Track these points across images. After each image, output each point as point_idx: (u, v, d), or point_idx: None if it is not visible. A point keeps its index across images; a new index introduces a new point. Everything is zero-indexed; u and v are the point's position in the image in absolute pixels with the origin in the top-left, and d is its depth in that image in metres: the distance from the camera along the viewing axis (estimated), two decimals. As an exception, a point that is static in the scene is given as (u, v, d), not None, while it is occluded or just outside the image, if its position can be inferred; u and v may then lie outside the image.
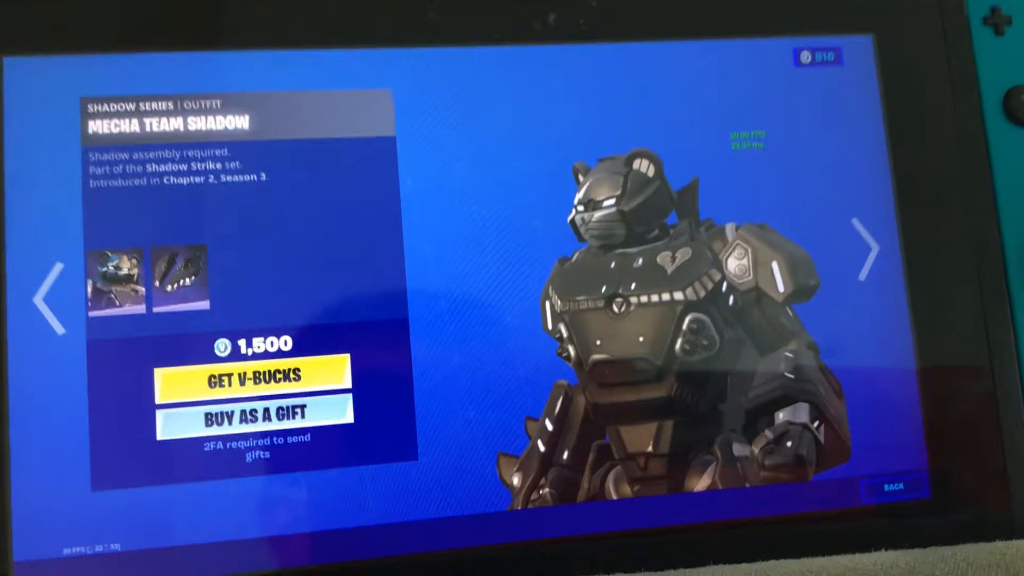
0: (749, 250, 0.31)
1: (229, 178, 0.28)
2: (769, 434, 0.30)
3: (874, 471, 0.30)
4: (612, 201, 0.30)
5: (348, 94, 0.29)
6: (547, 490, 0.29)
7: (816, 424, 0.30)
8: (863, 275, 0.31)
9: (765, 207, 0.31)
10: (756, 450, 0.29)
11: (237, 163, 0.29)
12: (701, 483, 0.29)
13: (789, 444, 0.30)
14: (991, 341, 0.31)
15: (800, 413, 0.30)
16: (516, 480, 0.28)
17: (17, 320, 0.27)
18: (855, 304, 0.31)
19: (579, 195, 0.30)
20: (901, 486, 0.30)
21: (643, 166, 0.30)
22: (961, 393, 0.31)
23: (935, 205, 0.32)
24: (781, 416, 0.30)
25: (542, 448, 0.29)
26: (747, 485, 0.29)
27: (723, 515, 0.29)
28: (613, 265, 0.30)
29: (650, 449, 0.29)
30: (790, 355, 0.30)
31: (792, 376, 0.30)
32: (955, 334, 0.31)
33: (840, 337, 0.30)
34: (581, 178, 0.30)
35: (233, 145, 0.29)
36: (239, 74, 0.29)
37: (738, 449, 0.29)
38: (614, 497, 0.29)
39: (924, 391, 0.30)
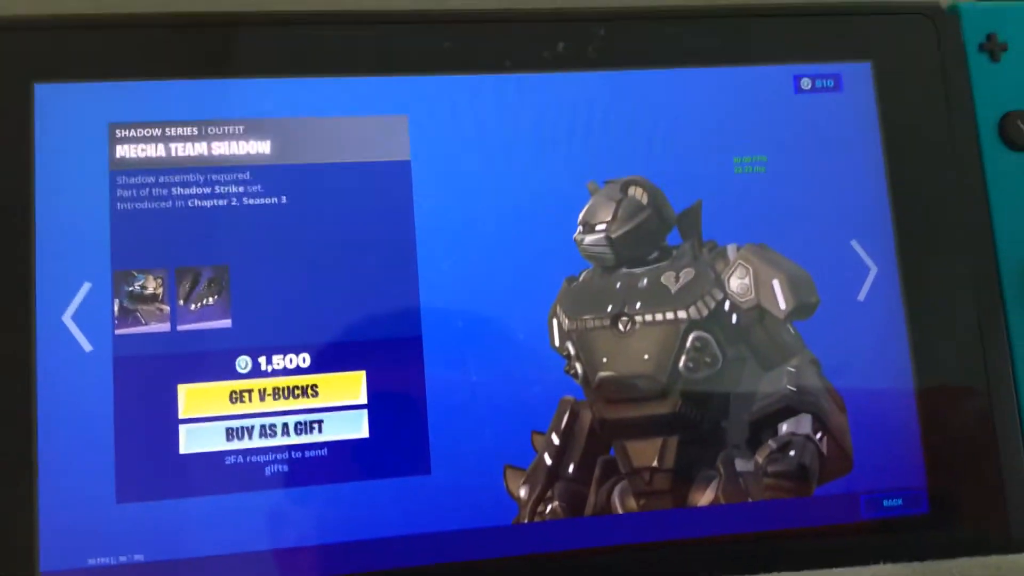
0: (750, 269, 0.32)
1: (251, 201, 0.30)
2: (773, 444, 0.30)
3: (873, 487, 0.31)
4: (603, 226, 0.31)
5: (365, 120, 0.31)
6: (555, 503, 0.30)
7: (819, 435, 0.31)
8: (862, 295, 0.32)
9: (767, 229, 0.32)
10: (760, 459, 0.30)
11: (259, 186, 0.30)
12: (704, 498, 0.30)
13: (792, 453, 0.30)
14: (987, 361, 0.32)
15: (803, 424, 0.31)
16: (523, 492, 0.29)
17: (46, 338, 0.28)
18: (855, 323, 0.32)
19: (580, 215, 0.31)
20: (900, 502, 0.31)
21: (637, 193, 0.31)
22: (958, 411, 0.31)
23: (932, 228, 0.33)
24: (784, 428, 0.31)
25: (548, 461, 0.30)
26: (749, 500, 0.30)
27: (726, 529, 0.30)
28: (619, 285, 0.31)
29: (655, 464, 0.30)
30: (792, 370, 0.31)
31: (794, 389, 0.31)
32: (952, 354, 0.32)
33: (840, 355, 0.31)
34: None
35: (255, 169, 0.30)
36: (261, 101, 0.30)
37: (740, 465, 0.30)
38: (620, 511, 0.30)
39: (922, 409, 0.31)
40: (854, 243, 0.32)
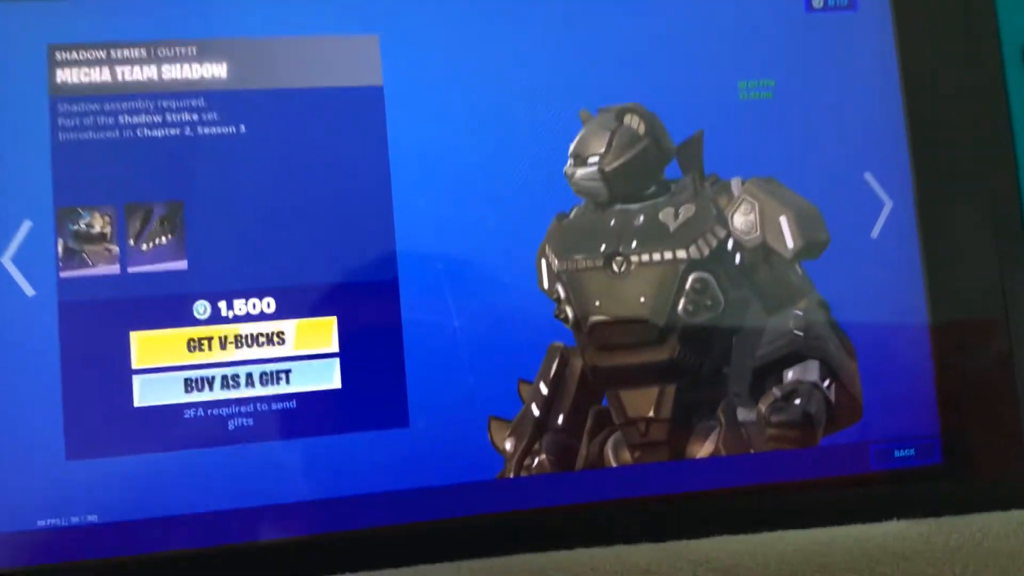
0: (756, 205, 0.29)
1: (206, 130, 0.27)
2: (777, 392, 0.29)
3: (884, 436, 0.29)
4: (596, 159, 0.29)
5: (332, 40, 0.28)
6: (543, 456, 0.28)
7: (827, 383, 0.29)
8: (875, 232, 0.30)
9: (774, 161, 0.30)
10: (763, 408, 0.28)
11: (214, 114, 0.27)
12: (704, 449, 0.28)
13: (798, 401, 0.29)
14: (1008, 301, 0.30)
15: (810, 371, 0.29)
16: (508, 445, 0.27)
17: (-16, 281, 0.26)
18: (867, 262, 0.29)
19: (571, 146, 0.29)
20: (912, 452, 0.29)
21: (633, 122, 0.29)
22: (976, 355, 0.30)
23: (952, 159, 0.31)
24: (790, 375, 0.29)
25: (536, 412, 0.28)
26: (752, 451, 0.28)
27: (728, 482, 0.28)
28: (613, 222, 0.29)
29: (651, 414, 0.28)
30: (799, 313, 0.29)
31: (801, 333, 0.29)
32: (970, 294, 0.30)
33: (851, 296, 0.29)
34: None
35: (210, 95, 0.27)
36: (216, 18, 0.27)
37: (742, 414, 0.28)
38: (613, 464, 0.28)
39: (937, 353, 0.29)
40: (868, 176, 0.30)
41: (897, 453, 0.29)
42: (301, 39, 0.28)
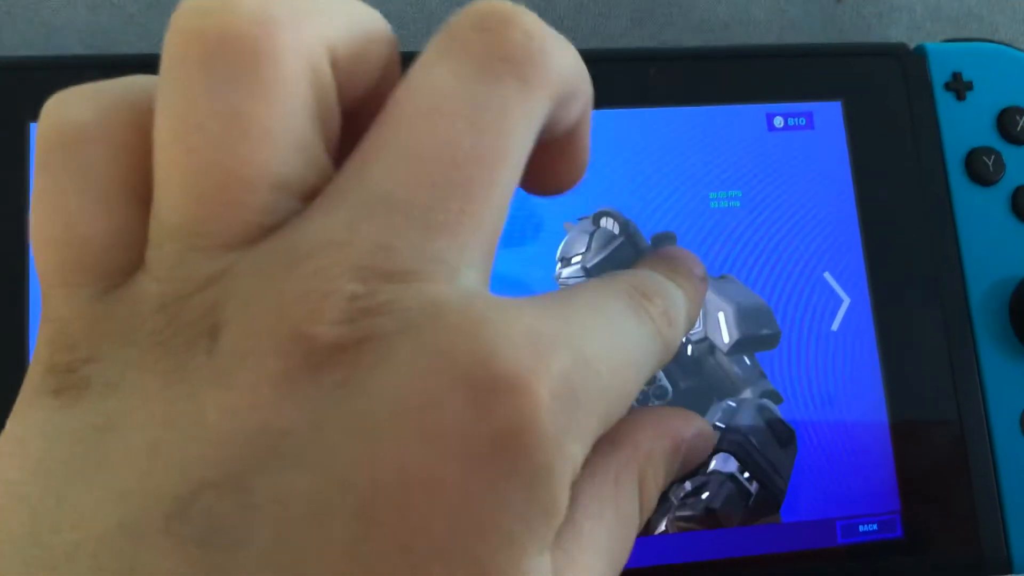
0: (702, 302, 0.32)
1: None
2: (688, 485, 0.30)
3: (849, 512, 0.31)
4: (579, 258, 0.32)
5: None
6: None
7: (745, 474, 0.30)
8: (835, 326, 0.33)
9: (742, 262, 0.33)
10: (673, 499, 0.30)
11: None
12: (659, 528, 0.30)
13: (704, 496, 0.30)
14: (958, 388, 0.32)
15: (728, 463, 0.30)
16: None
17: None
18: (829, 353, 0.32)
19: (558, 252, 0.32)
20: (875, 527, 0.31)
21: (609, 223, 0.32)
22: (930, 437, 0.32)
23: (902, 260, 0.34)
24: (712, 464, 0.30)
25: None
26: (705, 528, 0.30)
27: (696, 556, 0.30)
28: (592, 313, 0.32)
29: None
30: (732, 404, 0.31)
31: (723, 426, 0.31)
32: (924, 381, 0.32)
33: (813, 385, 0.32)
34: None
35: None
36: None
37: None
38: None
39: (895, 435, 0.32)
40: (827, 275, 0.33)
41: (862, 528, 0.31)
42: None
